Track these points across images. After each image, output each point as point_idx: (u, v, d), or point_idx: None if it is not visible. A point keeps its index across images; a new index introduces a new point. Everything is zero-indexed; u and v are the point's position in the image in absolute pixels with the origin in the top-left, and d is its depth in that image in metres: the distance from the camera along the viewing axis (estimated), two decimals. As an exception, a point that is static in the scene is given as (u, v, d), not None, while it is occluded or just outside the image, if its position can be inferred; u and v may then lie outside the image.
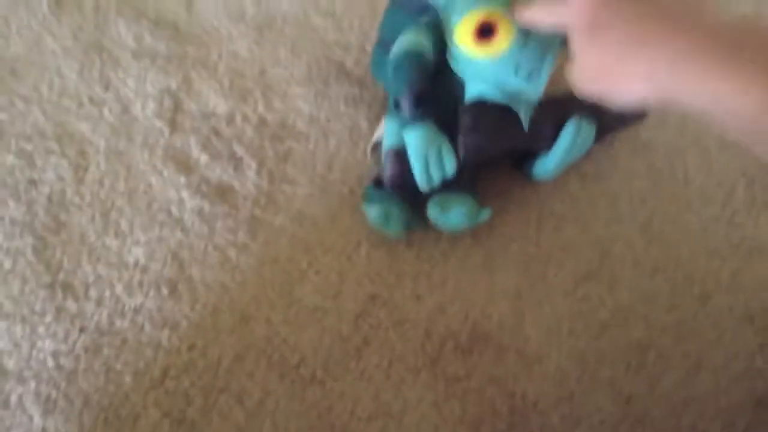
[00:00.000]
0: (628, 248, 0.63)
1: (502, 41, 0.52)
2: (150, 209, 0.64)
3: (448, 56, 0.56)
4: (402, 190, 0.60)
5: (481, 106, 0.56)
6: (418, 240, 0.62)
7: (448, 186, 0.59)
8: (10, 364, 0.58)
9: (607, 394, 0.58)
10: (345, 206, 0.65)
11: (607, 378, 0.59)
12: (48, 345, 0.58)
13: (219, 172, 0.65)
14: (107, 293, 0.60)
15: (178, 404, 0.56)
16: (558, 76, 0.53)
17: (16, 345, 0.58)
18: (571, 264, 0.62)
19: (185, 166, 0.66)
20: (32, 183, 0.65)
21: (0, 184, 0.65)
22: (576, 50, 0.45)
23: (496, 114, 0.56)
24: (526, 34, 0.52)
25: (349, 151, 0.67)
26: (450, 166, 0.57)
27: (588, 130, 0.59)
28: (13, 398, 0.57)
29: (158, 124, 0.68)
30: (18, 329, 0.59)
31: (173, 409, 0.56)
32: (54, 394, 0.57)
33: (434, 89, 0.56)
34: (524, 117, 0.56)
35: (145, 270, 0.61)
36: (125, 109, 0.68)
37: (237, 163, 0.66)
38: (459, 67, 0.56)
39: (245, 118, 0.68)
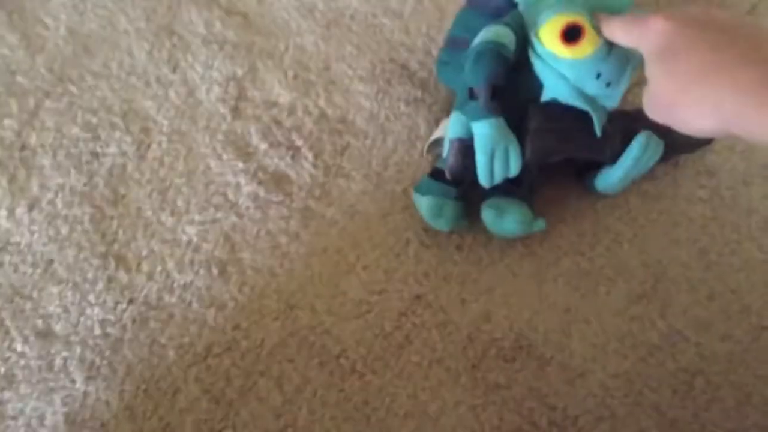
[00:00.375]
0: (684, 272, 0.62)
1: (588, 45, 0.52)
2: (207, 191, 0.65)
3: (529, 55, 0.56)
4: (460, 182, 0.59)
5: (555, 108, 0.56)
6: (468, 243, 0.62)
7: (505, 189, 0.58)
8: (58, 327, 0.59)
9: (651, 417, 0.56)
10: (397, 204, 0.65)
11: (652, 401, 0.57)
12: (97, 313, 0.59)
13: (276, 161, 0.66)
14: (158, 268, 0.61)
15: (218, 383, 0.57)
16: (633, 89, 0.53)
17: (66, 310, 0.59)
18: (623, 283, 0.61)
19: (244, 152, 0.67)
20: (95, 155, 0.66)
21: (64, 154, 0.66)
22: (648, 74, 0.45)
23: (567, 119, 0.56)
24: (610, 43, 0.52)
25: (405, 151, 0.67)
26: (515, 165, 0.57)
27: (656, 146, 0.58)
28: (58, 361, 0.58)
29: (221, 109, 0.69)
30: (69, 295, 0.60)
31: (213, 387, 0.56)
32: (98, 360, 0.58)
33: (510, 87, 0.56)
34: (597, 123, 0.55)
35: (197, 249, 0.62)
36: (190, 92, 0.70)
37: (295, 153, 0.66)
38: (539, 67, 0.56)
39: (306, 111, 0.69)
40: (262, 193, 0.64)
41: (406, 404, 0.56)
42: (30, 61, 0.71)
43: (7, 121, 0.68)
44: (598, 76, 0.53)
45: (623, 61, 0.53)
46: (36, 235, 0.62)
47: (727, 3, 0.74)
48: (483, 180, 0.57)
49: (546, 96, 0.56)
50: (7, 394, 0.57)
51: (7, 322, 0.59)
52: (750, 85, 0.38)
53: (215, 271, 0.61)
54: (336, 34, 0.73)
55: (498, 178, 0.57)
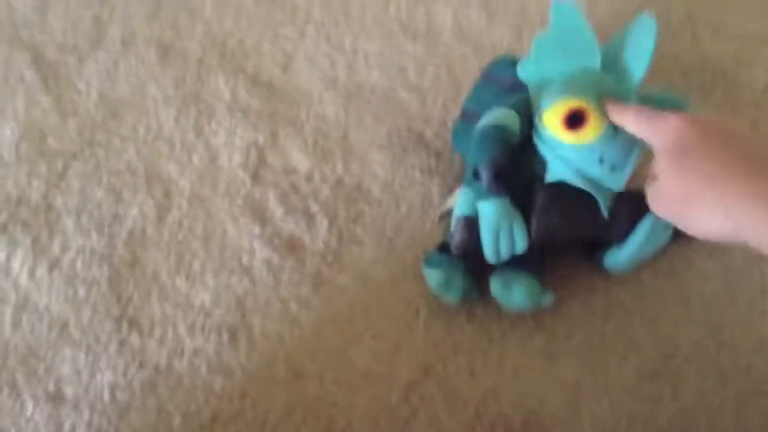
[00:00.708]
0: (696, 351, 0.61)
1: (591, 132, 0.53)
2: (222, 255, 0.66)
3: (533, 136, 0.57)
4: (467, 258, 0.59)
5: (559, 188, 0.56)
6: (479, 314, 0.62)
7: (513, 262, 0.59)
8: (69, 391, 0.60)
9: (662, 503, 0.55)
10: (408, 272, 0.65)
11: (664, 486, 0.55)
12: (107, 377, 0.60)
13: (292, 226, 0.67)
14: (170, 333, 0.62)
15: (222, 451, 0.57)
16: (642, 169, 0.53)
17: (78, 373, 0.61)
18: (635, 360, 0.60)
19: (261, 217, 0.68)
20: (116, 217, 0.68)
21: (87, 216, 0.68)
22: (658, 170, 0.45)
23: (572, 198, 0.56)
24: (615, 127, 0.52)
25: (418, 219, 0.68)
26: (520, 244, 0.57)
27: (664, 229, 0.58)
28: (67, 425, 0.58)
29: (241, 174, 0.70)
30: (82, 358, 0.61)
31: (217, 456, 0.57)
32: (105, 425, 0.58)
33: (515, 166, 0.57)
34: (603, 206, 0.55)
35: (209, 314, 0.63)
36: (213, 158, 0.72)
37: (310, 219, 0.68)
38: (543, 149, 0.56)
39: (323, 177, 0.70)
40: (275, 259, 0.65)
41: (409, 480, 0.56)
42: (62, 124, 0.74)
43: (35, 182, 0.71)
44: (602, 160, 0.54)
45: (629, 144, 0.54)
46: (54, 296, 0.64)
47: (741, 81, 0.74)
48: (489, 257, 0.58)
49: (550, 177, 0.57)
50: (16, 455, 0.57)
51: (20, 384, 0.60)
52: (762, 196, 0.38)
53: (225, 336, 0.62)
54: (356, 105, 0.75)
55: (504, 255, 0.57)
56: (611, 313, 0.62)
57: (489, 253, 0.57)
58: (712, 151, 0.41)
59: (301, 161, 0.72)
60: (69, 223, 0.68)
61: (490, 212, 0.56)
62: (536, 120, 0.56)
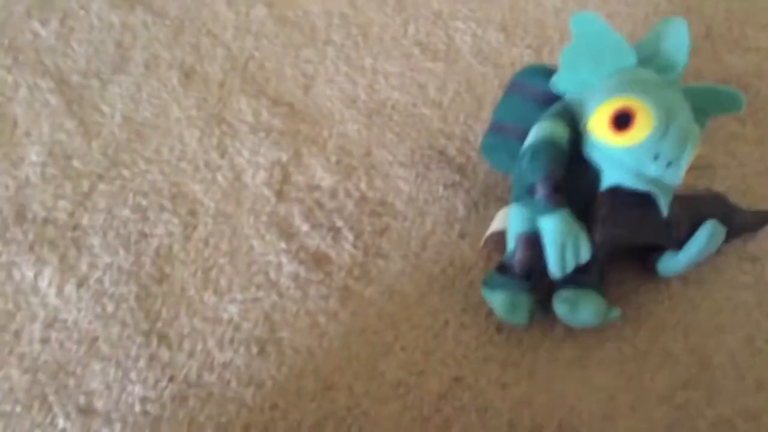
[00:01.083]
0: (730, 360, 0.60)
1: (641, 130, 0.53)
2: (249, 270, 0.66)
3: (582, 144, 0.57)
4: (529, 276, 0.59)
5: (619, 195, 0.56)
6: (508, 325, 0.62)
7: (575, 279, 0.58)
8: (100, 404, 0.59)
9: None
10: (435, 285, 0.65)
11: (704, 495, 0.55)
12: (138, 390, 0.60)
13: (318, 241, 0.67)
14: (199, 346, 0.62)
15: (255, 464, 0.56)
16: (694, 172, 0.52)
17: (108, 387, 0.60)
18: (668, 369, 0.60)
19: (287, 233, 0.68)
20: (143, 235, 0.69)
21: (113, 234, 0.69)
22: None
23: (635, 204, 0.56)
24: (666, 122, 0.52)
25: (443, 233, 0.68)
26: (585, 254, 0.56)
27: (721, 233, 0.58)
28: (98, 438, 0.58)
29: (266, 192, 0.71)
30: (111, 372, 0.61)
31: (249, 468, 0.56)
32: (136, 438, 0.58)
33: (569, 177, 0.57)
34: (663, 203, 0.55)
35: (237, 328, 0.63)
36: (237, 177, 0.72)
37: (335, 234, 0.68)
38: (596, 156, 0.56)
39: (347, 194, 0.71)
40: (302, 272, 0.65)
41: (445, 491, 0.55)
42: (86, 146, 0.75)
43: (61, 203, 0.71)
44: (657, 157, 0.53)
45: (682, 138, 0.53)
46: (83, 313, 0.64)
47: (763, 93, 0.75)
48: (555, 272, 0.57)
49: (607, 182, 0.56)
50: (45, 471, 0.57)
51: (51, 398, 0.60)
52: None
53: (255, 349, 0.61)
54: (377, 123, 0.76)
55: (570, 268, 0.57)
56: (642, 322, 0.62)
57: (555, 268, 0.57)
58: None
59: (325, 178, 0.72)
60: (96, 242, 0.68)
61: (553, 227, 0.56)
62: (582, 128, 0.56)
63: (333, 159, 0.73)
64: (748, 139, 0.73)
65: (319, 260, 0.66)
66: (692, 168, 0.59)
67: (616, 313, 0.59)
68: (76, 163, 0.74)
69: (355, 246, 0.67)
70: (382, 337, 0.62)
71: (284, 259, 0.66)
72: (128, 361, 0.61)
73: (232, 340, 0.62)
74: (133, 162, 0.74)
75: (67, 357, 0.62)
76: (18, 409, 0.59)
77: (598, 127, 0.54)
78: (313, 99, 0.78)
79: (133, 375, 0.60)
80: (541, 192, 0.56)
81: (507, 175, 0.69)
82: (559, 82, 0.59)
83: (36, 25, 0.85)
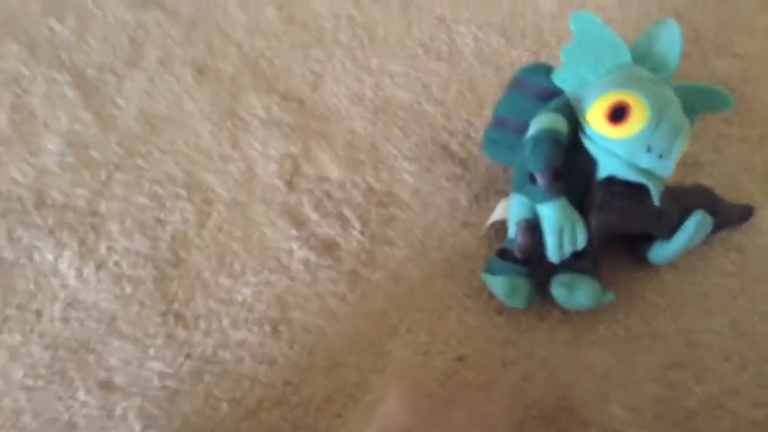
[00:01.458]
0: (717, 341, 0.64)
1: (636, 123, 0.57)
2: (262, 255, 0.69)
3: (580, 135, 0.61)
4: (529, 261, 0.63)
5: (613, 184, 0.60)
6: (508, 308, 0.65)
7: (571, 264, 0.62)
8: (119, 379, 0.62)
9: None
10: (438, 271, 0.68)
11: (692, 466, 0.58)
12: (156, 366, 0.63)
13: (327, 229, 0.71)
14: (215, 326, 0.65)
15: (269, 434, 0.59)
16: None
17: (127, 363, 0.63)
18: (658, 350, 0.63)
19: (297, 221, 0.71)
20: (159, 222, 0.72)
21: (131, 221, 0.72)
22: None
23: (627, 194, 0.60)
24: (659, 115, 0.56)
25: (447, 223, 0.71)
26: (581, 240, 0.60)
27: (708, 223, 0.62)
28: (118, 411, 0.61)
29: (277, 182, 0.74)
30: (130, 348, 0.64)
31: (264, 438, 0.59)
32: (156, 411, 0.60)
33: (567, 167, 0.60)
34: (655, 194, 0.59)
35: (251, 309, 0.66)
36: (249, 167, 0.76)
37: (344, 222, 0.71)
38: (592, 147, 0.60)
39: (355, 185, 0.74)
40: (313, 258, 0.69)
41: (449, 461, 0.58)
42: (102, 137, 0.78)
43: (79, 190, 0.74)
44: (649, 149, 0.58)
45: (673, 131, 0.58)
46: (102, 294, 0.67)
47: (748, 96, 0.79)
48: (553, 256, 0.61)
49: (602, 172, 0.60)
50: (67, 441, 0.59)
51: (71, 373, 0.62)
52: None
53: (268, 329, 0.65)
54: (383, 119, 0.80)
55: (567, 253, 0.61)
56: (634, 307, 0.66)
57: (553, 253, 0.61)
58: None
59: (334, 170, 0.76)
60: (114, 227, 0.71)
61: (552, 214, 0.60)
62: (581, 120, 0.60)
63: (341, 152, 0.77)
64: (734, 139, 0.77)
65: (328, 247, 0.70)
66: (681, 165, 0.63)
67: (609, 296, 0.62)
68: (93, 153, 0.77)
69: (362, 234, 0.71)
70: (388, 319, 0.65)
71: (295, 246, 0.70)
72: (147, 339, 0.64)
73: (246, 320, 0.65)
74: (148, 152, 0.77)
75: (87, 335, 0.64)
76: (40, 383, 0.62)
77: (595, 119, 0.58)
78: (321, 96, 0.82)
79: (151, 352, 0.63)
80: (540, 181, 0.60)
81: (507, 169, 0.72)
82: (559, 78, 0.63)
83: (53, 22, 0.88)
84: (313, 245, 0.70)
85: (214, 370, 0.62)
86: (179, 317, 0.65)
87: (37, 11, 0.89)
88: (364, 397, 0.61)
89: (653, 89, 0.58)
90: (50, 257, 0.69)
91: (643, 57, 0.63)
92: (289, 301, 0.66)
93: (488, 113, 0.75)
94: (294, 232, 0.70)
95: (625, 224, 0.61)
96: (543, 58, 0.84)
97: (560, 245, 0.60)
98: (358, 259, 0.69)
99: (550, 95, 0.65)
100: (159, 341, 0.64)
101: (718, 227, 0.66)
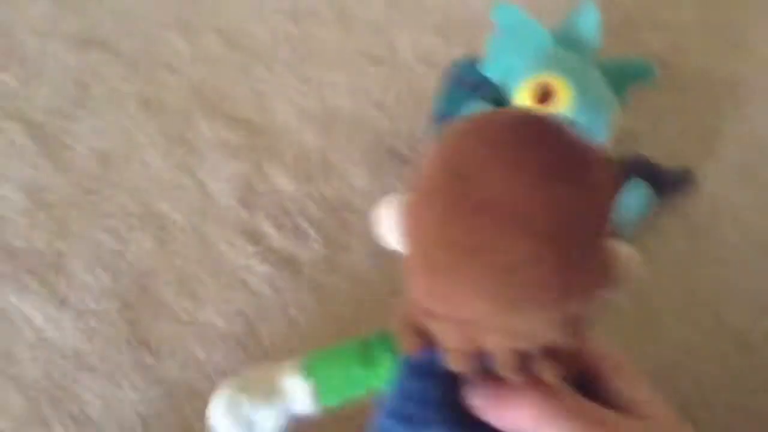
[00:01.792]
0: (668, 302, 0.66)
1: (561, 102, 0.59)
2: (221, 275, 0.70)
3: None
4: None
5: None
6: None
7: None
8: (92, 412, 0.63)
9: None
10: (397, 269, 0.70)
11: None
12: (128, 395, 0.64)
13: (284, 242, 0.72)
14: (180, 348, 0.66)
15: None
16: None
17: (99, 396, 0.64)
18: (614, 316, 0.65)
19: (254, 238, 0.73)
20: (118, 254, 0.73)
21: (90, 255, 0.73)
22: None
23: None
24: (583, 93, 0.59)
25: (401, 222, 0.73)
26: None
27: (646, 190, 0.64)
28: (94, 443, 0.61)
29: (232, 202, 0.76)
30: (101, 381, 0.65)
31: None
32: (131, 438, 0.61)
33: None
34: None
35: (215, 327, 0.67)
36: (203, 191, 0.77)
37: (301, 233, 0.73)
38: None
39: (308, 196, 0.76)
40: (273, 271, 0.70)
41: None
42: (57, 178, 0.79)
43: (37, 233, 0.75)
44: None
45: (597, 104, 0.60)
46: (68, 330, 0.68)
47: (676, 64, 0.82)
48: None
49: None
50: (46, 479, 0.60)
51: (46, 412, 0.63)
52: None
53: (233, 344, 0.66)
54: (330, 129, 0.82)
55: None
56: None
57: None
58: None
59: (286, 184, 0.77)
60: (75, 265, 0.72)
61: None
62: (511, 105, 0.63)
63: (291, 166, 0.78)
64: (668, 108, 0.79)
65: (287, 259, 0.71)
66: (619, 139, 0.65)
67: None
68: (48, 195, 0.78)
69: (320, 242, 0.72)
70: (354, 324, 0.67)
71: (254, 262, 0.71)
72: (115, 370, 0.65)
73: (212, 339, 0.66)
74: (102, 188, 0.78)
75: (56, 372, 0.65)
76: (17, 426, 0.62)
77: (522, 101, 0.60)
78: (267, 113, 0.83)
79: (121, 381, 0.64)
80: None
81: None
82: (486, 68, 0.65)
83: (-4, 72, 0.89)
84: (272, 260, 0.71)
85: (183, 391, 0.63)
86: (144, 344, 0.66)
87: (-20, 63, 0.90)
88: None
89: (575, 68, 0.61)
90: (13, 299, 0.70)
91: (566, 41, 0.65)
92: (252, 315, 0.68)
93: (429, 110, 0.77)
94: (252, 249, 0.72)
95: None
96: (479, 52, 0.86)
97: None
98: (318, 268, 0.70)
99: (482, 85, 0.67)
100: (127, 370, 0.65)
101: (662, 194, 0.68)
